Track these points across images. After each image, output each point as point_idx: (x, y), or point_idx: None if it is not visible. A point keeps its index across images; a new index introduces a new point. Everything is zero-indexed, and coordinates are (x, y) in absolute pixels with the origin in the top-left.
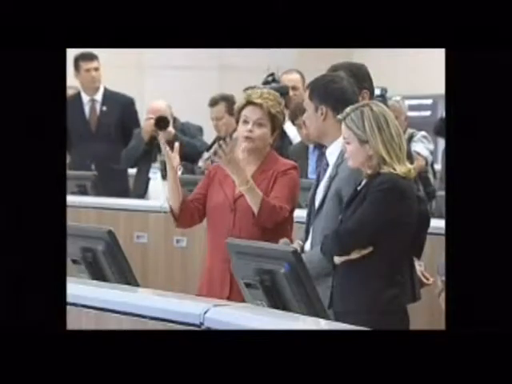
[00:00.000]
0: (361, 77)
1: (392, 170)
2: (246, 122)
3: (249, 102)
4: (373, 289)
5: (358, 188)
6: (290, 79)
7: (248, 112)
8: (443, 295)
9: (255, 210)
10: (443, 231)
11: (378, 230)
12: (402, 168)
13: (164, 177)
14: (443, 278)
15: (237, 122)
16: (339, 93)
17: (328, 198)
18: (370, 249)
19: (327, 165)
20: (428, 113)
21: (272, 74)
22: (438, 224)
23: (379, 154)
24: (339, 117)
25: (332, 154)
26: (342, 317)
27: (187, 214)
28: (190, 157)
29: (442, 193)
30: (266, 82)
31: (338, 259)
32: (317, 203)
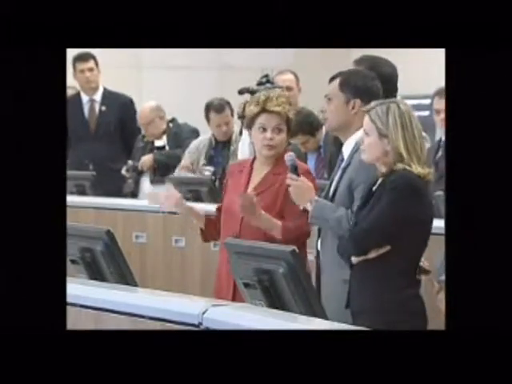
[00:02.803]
0: (383, 78)
1: (407, 167)
2: (263, 129)
3: (264, 110)
4: (392, 288)
5: (374, 188)
6: (284, 80)
7: (264, 120)
8: (440, 296)
9: (279, 238)
10: (441, 231)
11: (394, 229)
12: (418, 168)
13: (152, 181)
14: (441, 278)
15: (249, 128)
16: (376, 89)
17: (340, 190)
18: (388, 248)
19: (342, 160)
20: (427, 113)
21: (266, 76)
22: (435, 224)
23: (397, 150)
24: (363, 109)
25: (348, 148)
26: (359, 316)
27: (211, 226)
28: (172, 167)
29: (437, 193)
30: (260, 83)
31: (355, 259)
32: (330, 194)
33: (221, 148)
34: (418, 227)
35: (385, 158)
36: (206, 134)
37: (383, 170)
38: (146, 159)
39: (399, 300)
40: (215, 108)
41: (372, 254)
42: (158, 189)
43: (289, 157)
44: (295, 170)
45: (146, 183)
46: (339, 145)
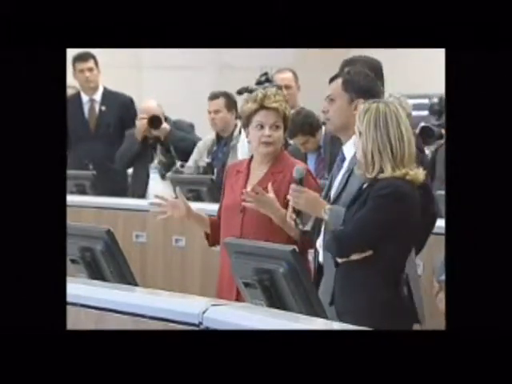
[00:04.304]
0: (377, 74)
1: (387, 174)
2: (261, 126)
3: (262, 107)
4: (373, 290)
5: (363, 188)
6: (283, 78)
7: (262, 117)
8: (440, 296)
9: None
10: (441, 231)
11: (377, 236)
12: (390, 170)
13: (163, 176)
14: (441, 278)
15: (245, 126)
16: (378, 89)
17: (349, 191)
18: (370, 252)
19: (343, 160)
20: (426, 112)
21: (265, 74)
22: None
23: (366, 151)
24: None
25: (350, 147)
26: (343, 316)
27: (217, 229)
28: (187, 151)
29: (438, 192)
30: (259, 82)
31: (339, 259)
32: (332, 197)
33: (223, 144)
34: (402, 234)
35: (366, 157)
36: (211, 134)
37: (368, 172)
38: (164, 128)
39: (380, 301)
40: (209, 96)
41: (355, 257)
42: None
43: (299, 169)
44: (301, 183)
45: (155, 181)
46: (339, 144)
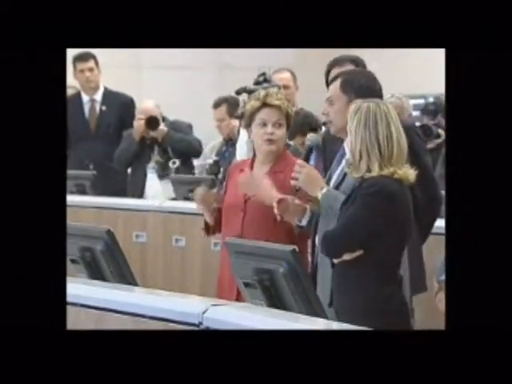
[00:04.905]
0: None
1: (374, 173)
2: (264, 124)
3: (265, 104)
4: (367, 289)
5: (355, 187)
6: (281, 78)
7: (265, 114)
8: (439, 296)
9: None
10: (441, 231)
11: (365, 234)
12: (376, 170)
13: (160, 177)
14: (441, 278)
15: (248, 125)
16: (378, 88)
17: (344, 186)
18: (361, 251)
19: (343, 155)
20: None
21: (263, 74)
22: (435, 224)
23: (357, 150)
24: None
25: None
26: (341, 316)
27: (218, 222)
28: (184, 152)
29: None
30: (257, 82)
31: (335, 259)
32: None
33: (230, 145)
34: (392, 230)
35: (354, 156)
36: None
37: (356, 171)
38: (161, 129)
39: (374, 300)
40: (212, 104)
41: (347, 257)
42: (167, 183)
43: (312, 137)
44: (310, 152)
45: (153, 181)
46: (340, 142)
